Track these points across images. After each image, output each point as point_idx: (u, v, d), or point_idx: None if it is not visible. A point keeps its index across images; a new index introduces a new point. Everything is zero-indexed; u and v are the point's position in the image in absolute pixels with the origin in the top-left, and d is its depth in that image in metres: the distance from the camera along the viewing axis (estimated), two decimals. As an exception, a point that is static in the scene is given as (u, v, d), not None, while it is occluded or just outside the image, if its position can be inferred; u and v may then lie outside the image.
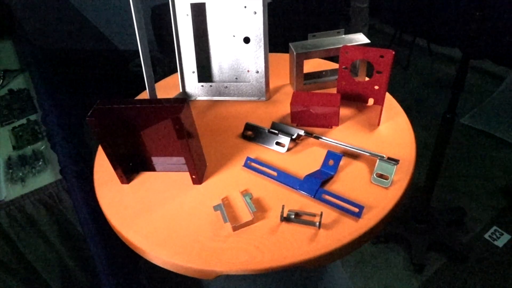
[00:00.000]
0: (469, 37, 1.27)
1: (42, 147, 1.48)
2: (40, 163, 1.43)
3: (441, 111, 1.51)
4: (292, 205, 0.74)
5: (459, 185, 2.19)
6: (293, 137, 0.86)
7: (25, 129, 1.57)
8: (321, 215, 0.69)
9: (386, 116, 0.92)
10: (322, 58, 1.05)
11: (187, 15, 0.99)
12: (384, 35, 3.60)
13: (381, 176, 0.77)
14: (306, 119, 0.92)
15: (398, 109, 0.96)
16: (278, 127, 0.90)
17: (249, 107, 1.02)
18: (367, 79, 1.04)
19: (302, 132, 0.87)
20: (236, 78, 1.09)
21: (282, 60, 1.18)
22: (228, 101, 1.06)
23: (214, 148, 0.90)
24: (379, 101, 0.96)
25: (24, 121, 1.60)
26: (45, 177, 1.40)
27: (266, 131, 0.88)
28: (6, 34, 2.21)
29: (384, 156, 0.79)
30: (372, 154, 0.80)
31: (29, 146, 1.48)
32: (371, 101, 0.98)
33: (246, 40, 1.03)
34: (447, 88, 2.89)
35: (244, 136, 0.91)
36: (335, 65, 1.12)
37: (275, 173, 0.80)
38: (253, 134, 0.90)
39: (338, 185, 0.77)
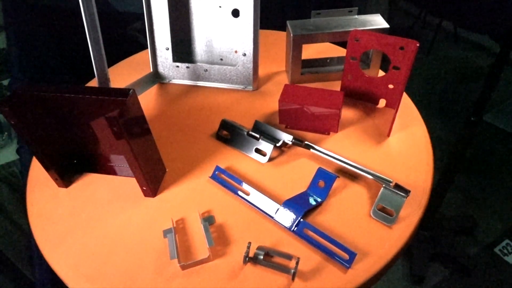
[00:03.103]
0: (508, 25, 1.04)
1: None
2: (4, 136, 1.27)
3: (462, 106, 1.30)
4: (263, 239, 0.57)
5: (473, 190, 1.99)
6: (278, 144, 0.68)
7: (-7, 95, 1.41)
8: (297, 262, 0.51)
9: (399, 123, 0.73)
10: (326, 43, 0.84)
11: (161, -24, 0.78)
12: (407, 15, 3.29)
13: (383, 209, 0.59)
14: (297, 120, 0.73)
15: (415, 115, 0.76)
16: (261, 129, 0.72)
17: (231, 97, 0.83)
18: (381, 74, 0.84)
19: (289, 139, 0.69)
20: (221, 60, 0.89)
21: (280, 39, 0.98)
22: (208, 87, 0.87)
23: (179, 148, 0.72)
24: (393, 104, 0.77)
25: (-6, 86, 1.44)
26: (9, 154, 1.25)
27: (245, 133, 0.70)
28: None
29: (391, 181, 0.61)
30: (375, 177, 0.62)
31: (-5, 116, 1.32)
32: (382, 103, 0.78)
33: (235, 13, 0.83)
34: (471, 81, 2.63)
35: (218, 136, 0.73)
36: (342, 52, 0.92)
37: (248, 192, 0.62)
38: (230, 135, 0.72)
39: (326, 217, 0.59)
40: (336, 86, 0.83)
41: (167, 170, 0.68)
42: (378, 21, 0.79)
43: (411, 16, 3.19)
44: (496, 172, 2.13)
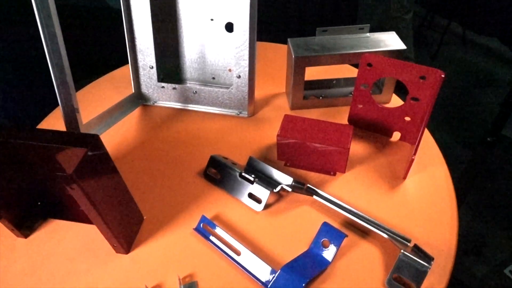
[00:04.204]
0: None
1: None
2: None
3: (472, 115, 1.19)
4: (256, 315, 0.47)
5: (482, 206, 1.89)
6: (275, 190, 0.58)
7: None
8: None
9: (416, 161, 0.63)
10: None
11: (143, -15, 0.68)
12: (414, 16, 3.17)
13: (399, 279, 0.49)
14: (298, 158, 0.63)
15: (434, 152, 0.66)
16: (256, 167, 0.62)
17: (223, 124, 0.73)
18: (395, 100, 0.74)
19: (289, 182, 0.59)
20: (214, 78, 0.79)
21: (281, 54, 0.87)
22: (197, 111, 0.76)
23: (161, 190, 0.62)
24: (409, 139, 0.66)
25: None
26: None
27: (237, 174, 0.60)
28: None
29: (410, 241, 0.51)
30: (391, 237, 0.52)
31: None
32: (396, 136, 0.68)
33: (229, 27, 0.73)
34: (480, 86, 2.52)
35: (206, 175, 0.63)
36: (351, 71, 0.81)
37: (239, 251, 0.52)
38: (219, 174, 0.62)
39: (332, 285, 0.49)
40: (344, 113, 0.72)
41: (145, 217, 0.58)
42: (393, 41, 0.68)
43: (417, 17, 3.08)
44: (505, 188, 2.03)
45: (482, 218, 1.89)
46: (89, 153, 0.43)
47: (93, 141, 0.43)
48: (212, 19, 0.73)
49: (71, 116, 0.57)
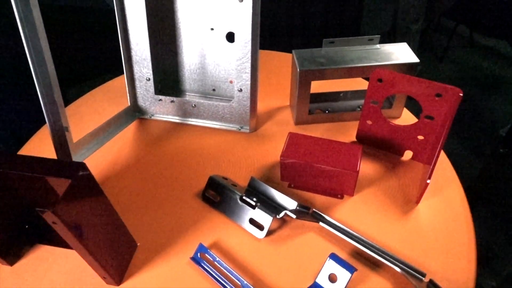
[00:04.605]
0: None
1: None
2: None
3: (479, 120, 1.14)
4: None
5: (490, 217, 1.84)
6: (279, 216, 0.53)
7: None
8: None
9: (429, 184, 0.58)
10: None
11: (138, -7, 0.64)
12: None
13: (416, 319, 0.45)
14: (303, 180, 0.59)
15: (449, 173, 0.62)
16: (259, 189, 0.58)
17: (223, 140, 0.69)
18: (406, 115, 0.70)
19: (292, 207, 0.55)
20: (214, 90, 0.75)
21: (286, 64, 0.83)
22: (196, 126, 0.73)
23: (156, 213, 0.58)
24: (422, 158, 0.62)
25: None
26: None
27: (238, 197, 0.56)
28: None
29: (424, 275, 0.47)
30: (404, 270, 0.47)
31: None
32: (408, 154, 0.64)
33: (230, 37, 0.69)
34: (488, 90, 2.47)
35: (205, 197, 0.59)
36: (359, 83, 0.77)
37: (239, 285, 0.48)
38: (219, 196, 0.58)
39: (340, 326, 0.45)
40: (351, 128, 0.68)
41: (138, 244, 0.54)
42: (405, 54, 0.64)
43: (423, 19, 3.02)
44: (516, 195, 1.97)
45: (490, 230, 1.84)
46: (74, 184, 0.39)
47: (79, 170, 0.40)
48: (212, 29, 0.69)
49: (59, 136, 0.53)
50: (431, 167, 0.53)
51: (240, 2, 0.60)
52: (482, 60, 2.76)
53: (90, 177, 0.41)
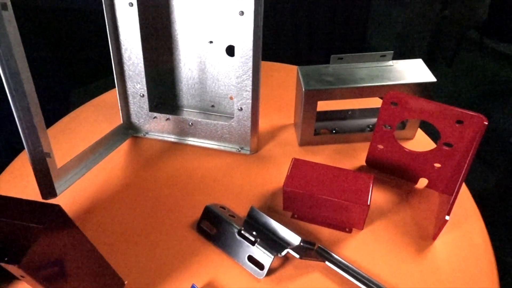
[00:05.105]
0: None
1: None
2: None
3: (492, 127, 1.07)
4: None
5: (500, 227, 1.78)
6: (280, 255, 0.48)
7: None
8: None
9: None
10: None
11: (131, 4, 0.59)
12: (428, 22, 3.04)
13: None
14: (308, 210, 0.54)
15: (468, 204, 0.56)
16: (259, 220, 0.53)
17: (222, 162, 0.64)
18: (420, 137, 0.64)
19: (296, 243, 0.50)
20: (213, 106, 0.70)
21: (291, 77, 0.78)
22: (193, 146, 0.68)
23: (145, 245, 0.53)
24: (439, 187, 0.57)
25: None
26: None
27: (236, 231, 0.51)
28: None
29: (445, 330, 0.41)
30: (420, 322, 0.42)
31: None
32: (422, 182, 0.58)
33: (230, 51, 0.64)
34: (499, 96, 2.40)
35: (200, 229, 0.54)
36: (369, 101, 0.72)
37: (234, 335, 0.43)
38: (215, 228, 0.53)
39: None
40: (360, 150, 0.63)
41: (126, 282, 0.49)
42: (420, 72, 0.58)
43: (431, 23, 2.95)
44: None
45: (502, 242, 1.78)
46: (46, 231, 0.34)
47: (53, 214, 0.35)
48: (211, 41, 0.64)
49: (40, 163, 0.48)
50: (451, 202, 0.47)
51: (240, 15, 0.55)
52: (492, 65, 2.69)
53: (65, 220, 0.37)
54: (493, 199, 1.19)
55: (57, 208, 0.35)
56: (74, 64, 1.82)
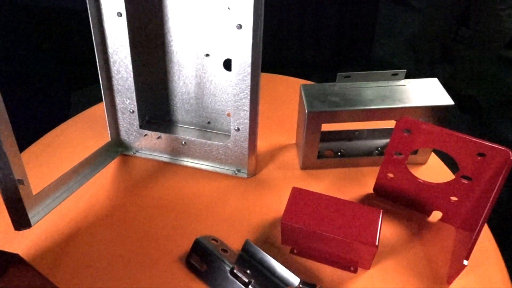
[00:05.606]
0: None
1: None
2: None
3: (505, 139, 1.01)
4: None
5: (509, 235, 1.71)
6: (276, 299, 0.43)
7: None
8: None
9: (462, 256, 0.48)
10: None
11: (119, 14, 0.54)
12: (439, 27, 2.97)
13: None
14: (308, 246, 0.49)
15: (488, 244, 0.51)
16: (255, 256, 0.48)
17: (216, 187, 0.59)
18: (434, 161, 0.59)
19: (294, 283, 0.44)
20: (209, 123, 0.65)
21: (293, 91, 0.73)
22: (186, 167, 0.63)
23: (126, 282, 0.48)
24: (454, 222, 0.51)
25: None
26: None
27: (228, 269, 0.46)
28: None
29: None
30: None
31: None
32: (436, 215, 0.53)
33: (227, 65, 0.59)
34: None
35: (189, 264, 0.49)
36: (380, 122, 0.66)
37: None
38: (205, 265, 0.48)
39: None
40: (368, 176, 0.58)
41: (105, 325, 0.44)
42: (436, 93, 0.53)
43: (441, 29, 2.89)
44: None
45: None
46: (2, 283, 0.29)
47: (11, 266, 0.30)
48: (207, 54, 0.59)
49: (11, 192, 0.43)
50: (470, 244, 0.42)
51: (238, 29, 0.50)
52: (504, 72, 2.61)
53: (26, 268, 0.32)
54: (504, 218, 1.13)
55: (15, 259, 0.30)
56: (75, 65, 1.78)
